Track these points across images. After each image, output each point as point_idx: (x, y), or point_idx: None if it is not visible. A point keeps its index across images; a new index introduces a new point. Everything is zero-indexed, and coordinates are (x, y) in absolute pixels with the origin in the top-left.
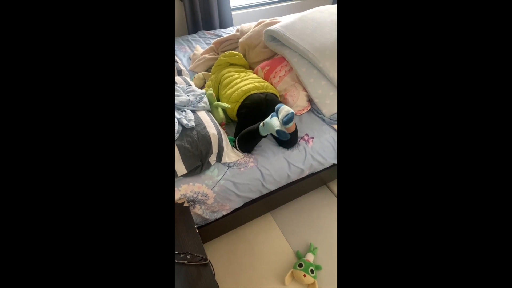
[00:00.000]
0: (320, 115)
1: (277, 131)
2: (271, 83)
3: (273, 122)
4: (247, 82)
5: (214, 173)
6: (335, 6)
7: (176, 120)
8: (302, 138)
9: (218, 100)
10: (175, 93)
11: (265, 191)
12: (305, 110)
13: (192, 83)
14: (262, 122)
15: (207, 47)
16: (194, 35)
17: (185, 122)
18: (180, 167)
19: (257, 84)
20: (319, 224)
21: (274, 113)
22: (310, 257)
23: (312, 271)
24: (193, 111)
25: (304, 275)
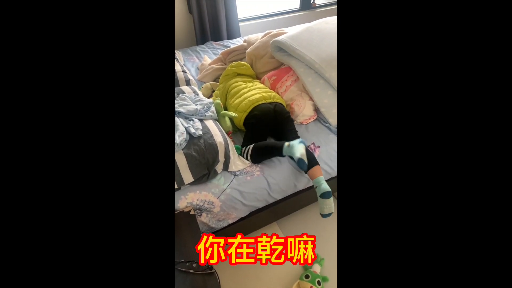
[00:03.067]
0: (326, 124)
1: (299, 160)
2: (278, 93)
3: (299, 148)
4: (255, 92)
5: (220, 182)
6: None
7: (184, 129)
8: (308, 147)
9: (226, 109)
10: (184, 102)
11: (271, 200)
12: (312, 119)
13: (200, 92)
14: (288, 143)
15: (215, 57)
16: (203, 45)
17: (192, 130)
18: (187, 175)
19: (264, 94)
20: (326, 235)
21: (301, 139)
22: (316, 268)
23: (319, 283)
24: (201, 120)
25: (311, 287)
